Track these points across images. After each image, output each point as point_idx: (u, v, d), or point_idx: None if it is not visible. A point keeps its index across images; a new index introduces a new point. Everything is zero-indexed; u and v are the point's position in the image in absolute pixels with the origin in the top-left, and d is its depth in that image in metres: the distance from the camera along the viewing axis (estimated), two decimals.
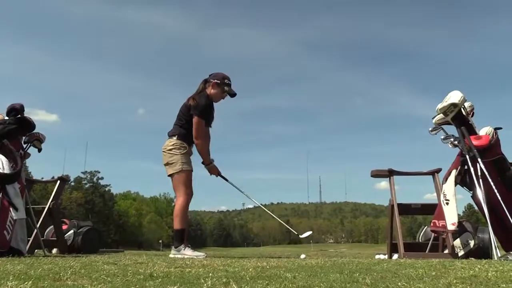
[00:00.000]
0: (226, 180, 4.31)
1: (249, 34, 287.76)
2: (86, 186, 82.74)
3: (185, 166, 3.96)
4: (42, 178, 6.17)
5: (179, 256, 3.71)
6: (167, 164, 4.00)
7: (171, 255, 3.84)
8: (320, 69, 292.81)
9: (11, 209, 3.61)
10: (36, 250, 5.02)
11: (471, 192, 3.99)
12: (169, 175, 4.00)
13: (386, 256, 5.06)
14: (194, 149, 4.13)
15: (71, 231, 5.99)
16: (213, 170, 4.21)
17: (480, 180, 3.80)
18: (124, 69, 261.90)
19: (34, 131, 4.39)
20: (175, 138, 4.02)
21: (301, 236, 3.96)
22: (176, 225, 3.93)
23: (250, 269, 2.10)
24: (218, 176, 4.27)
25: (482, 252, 4.08)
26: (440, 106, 4.15)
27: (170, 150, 4.00)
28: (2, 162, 3.75)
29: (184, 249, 3.82)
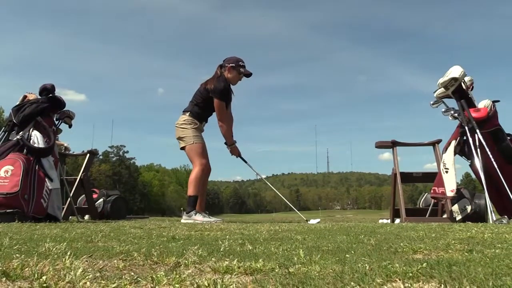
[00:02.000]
0: (245, 162, 4.26)
1: (260, 16, 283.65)
2: (113, 159, 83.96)
3: (196, 139, 3.92)
4: (73, 152, 6.20)
5: (190, 221, 3.65)
6: (179, 138, 3.98)
7: (182, 220, 3.79)
8: (326, 49, 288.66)
9: (46, 179, 3.68)
10: (70, 217, 5.12)
11: (469, 161, 3.95)
12: (181, 148, 3.98)
13: (389, 221, 5.07)
14: (205, 126, 4.11)
15: (101, 200, 6.08)
16: (234, 151, 4.18)
17: (478, 150, 3.76)
18: (144, 51, 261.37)
19: (65, 109, 4.41)
20: (187, 114, 4.00)
21: (309, 222, 3.97)
22: (190, 191, 3.86)
23: (264, 232, 2.12)
24: (238, 157, 4.23)
25: (478, 216, 4.07)
26: (441, 80, 4.07)
27: (181, 125, 3.98)
28: (37, 137, 3.81)
29: (195, 215, 3.75)
